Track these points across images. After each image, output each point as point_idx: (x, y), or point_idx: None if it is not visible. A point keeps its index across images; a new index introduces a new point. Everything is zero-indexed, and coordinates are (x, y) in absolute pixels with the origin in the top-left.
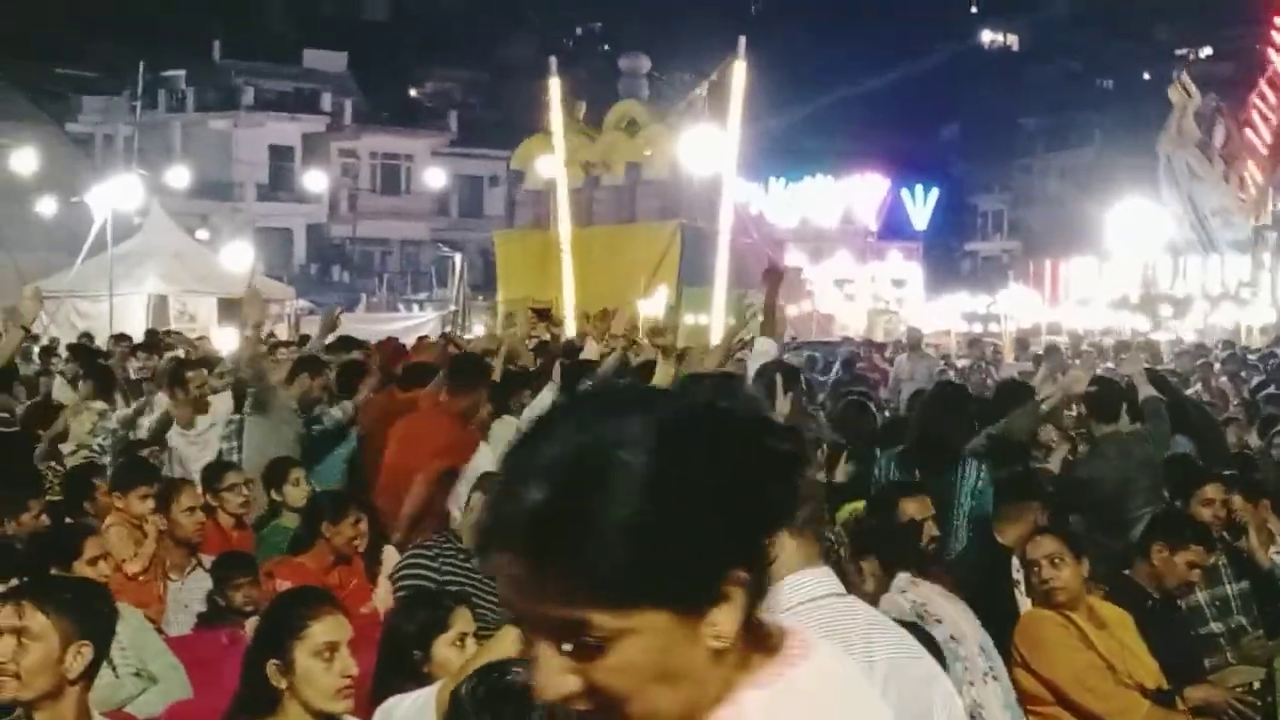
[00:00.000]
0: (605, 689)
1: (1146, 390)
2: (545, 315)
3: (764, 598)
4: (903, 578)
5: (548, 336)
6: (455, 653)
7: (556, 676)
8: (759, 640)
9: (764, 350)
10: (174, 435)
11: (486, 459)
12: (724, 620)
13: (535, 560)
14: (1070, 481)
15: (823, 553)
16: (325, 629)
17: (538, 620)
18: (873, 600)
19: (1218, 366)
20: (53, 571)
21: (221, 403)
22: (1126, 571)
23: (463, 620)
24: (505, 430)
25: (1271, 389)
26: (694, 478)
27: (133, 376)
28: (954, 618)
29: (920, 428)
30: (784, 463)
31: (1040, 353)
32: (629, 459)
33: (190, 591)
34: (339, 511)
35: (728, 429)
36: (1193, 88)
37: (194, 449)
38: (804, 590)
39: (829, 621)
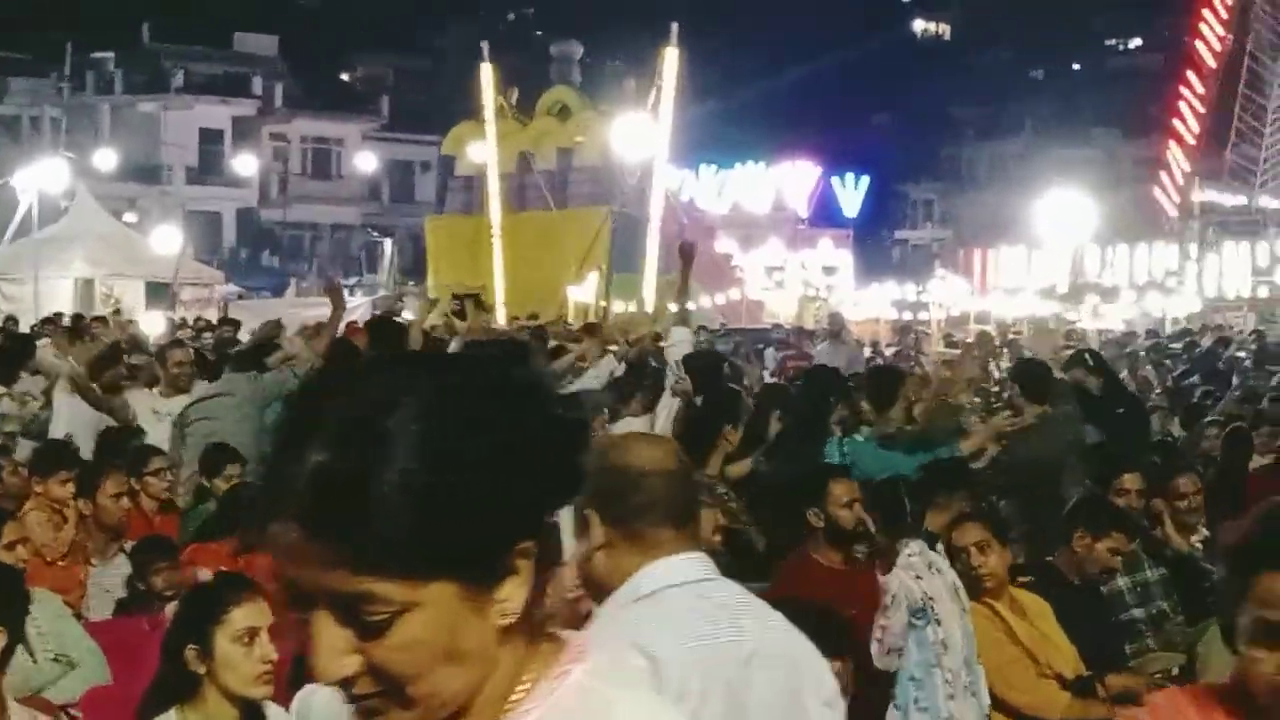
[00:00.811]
0: (389, 669)
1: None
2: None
3: (552, 574)
4: (918, 562)
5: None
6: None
7: (337, 657)
8: (543, 636)
9: (680, 339)
10: (147, 415)
11: None
12: (512, 594)
13: (315, 528)
14: (1010, 462)
15: (687, 541)
16: (245, 614)
17: (317, 595)
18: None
19: (1142, 355)
20: None
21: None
22: (1049, 559)
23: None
24: None
25: (1195, 379)
26: (476, 441)
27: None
28: (950, 623)
29: (791, 411)
30: (568, 431)
31: (969, 340)
32: (410, 420)
33: (112, 576)
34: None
35: (510, 394)
36: None
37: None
38: (672, 575)
39: (692, 605)
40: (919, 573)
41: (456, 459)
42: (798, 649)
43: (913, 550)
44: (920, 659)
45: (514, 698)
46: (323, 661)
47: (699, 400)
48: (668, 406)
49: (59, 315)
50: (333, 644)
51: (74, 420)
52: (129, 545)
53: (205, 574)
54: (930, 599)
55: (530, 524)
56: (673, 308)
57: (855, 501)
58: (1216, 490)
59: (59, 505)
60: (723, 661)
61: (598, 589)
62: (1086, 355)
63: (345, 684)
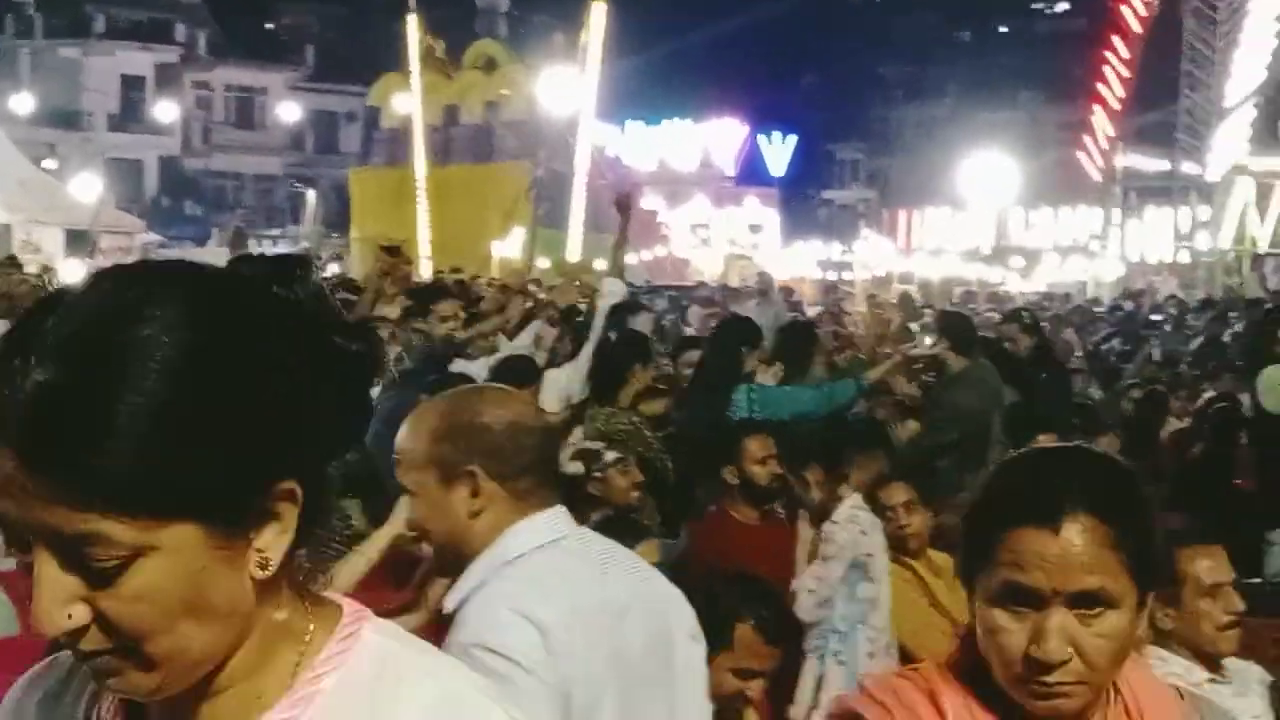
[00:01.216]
0: (121, 622)
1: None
2: (395, 252)
3: (324, 526)
4: (864, 517)
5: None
6: None
7: (61, 604)
8: (314, 603)
9: (613, 290)
10: None
11: None
12: (271, 543)
13: (34, 456)
14: (939, 414)
15: (552, 495)
16: None
17: (39, 533)
18: (822, 510)
19: (1063, 317)
20: None
21: None
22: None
23: None
24: None
25: (1116, 342)
26: (231, 363)
27: None
28: (882, 581)
29: (701, 362)
30: (348, 362)
31: (892, 301)
32: (154, 335)
33: None
34: None
35: (280, 313)
36: None
37: None
38: (538, 535)
39: (563, 562)
40: (864, 527)
41: (205, 382)
42: (663, 591)
43: (856, 504)
44: (846, 612)
45: (293, 660)
46: (43, 611)
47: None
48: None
49: None
50: (55, 591)
51: None
52: None
53: None
54: (869, 555)
55: (295, 464)
56: (599, 264)
57: (770, 458)
58: (1133, 452)
59: None
60: (600, 617)
61: (456, 552)
62: (1024, 314)
63: (72, 638)
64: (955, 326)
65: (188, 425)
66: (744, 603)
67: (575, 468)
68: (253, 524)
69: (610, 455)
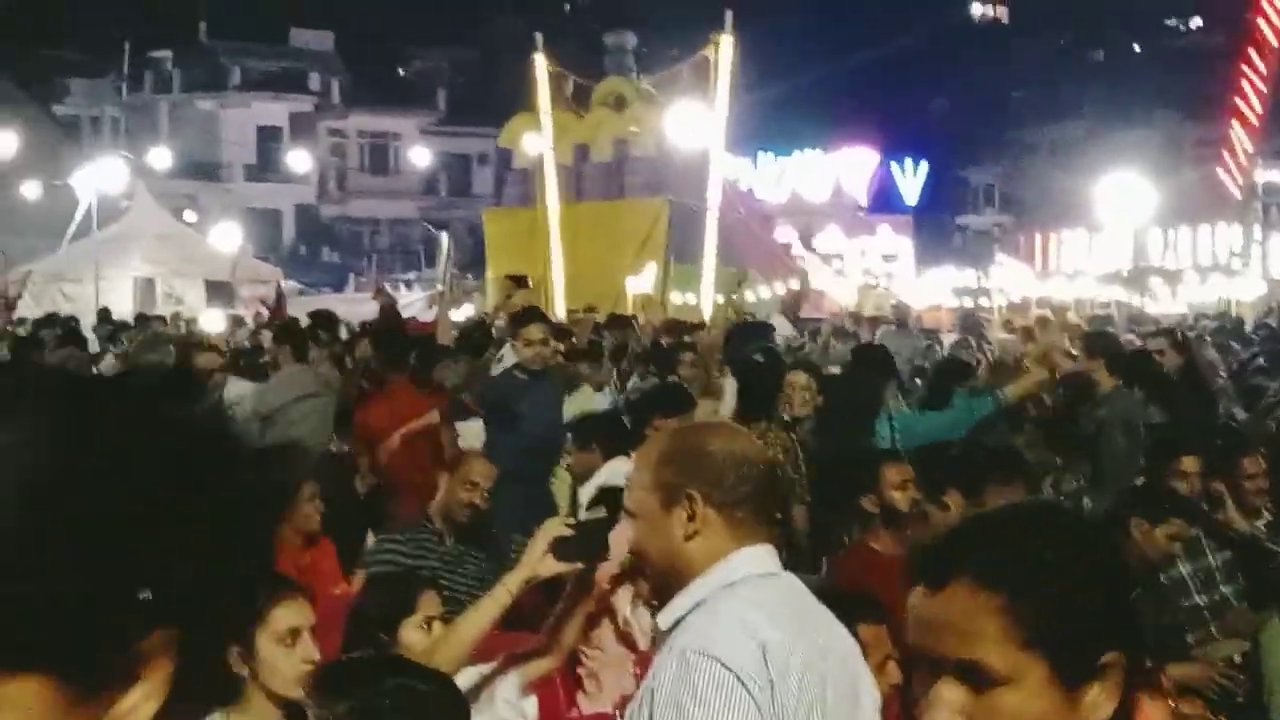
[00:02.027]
0: None
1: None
2: (523, 282)
3: (209, 680)
4: None
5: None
6: (421, 635)
7: None
8: None
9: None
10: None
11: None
12: (136, 706)
13: None
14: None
15: (768, 533)
16: (286, 614)
17: None
18: None
19: (1207, 338)
20: None
21: (234, 386)
22: None
23: (429, 603)
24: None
25: (1260, 361)
26: (93, 490)
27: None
28: None
29: (836, 391)
30: (244, 494)
31: (1030, 326)
32: (7, 456)
33: None
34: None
35: (162, 436)
36: None
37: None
38: (758, 564)
39: (782, 593)
40: None
41: (57, 508)
42: (851, 642)
43: None
44: None
45: None
46: None
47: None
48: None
49: (105, 312)
50: None
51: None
52: None
53: None
54: None
55: (170, 610)
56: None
57: (909, 483)
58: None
59: None
60: (812, 654)
61: (672, 573)
62: (1177, 333)
63: None
64: (1111, 346)
65: (33, 562)
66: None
67: None
68: (114, 682)
69: None
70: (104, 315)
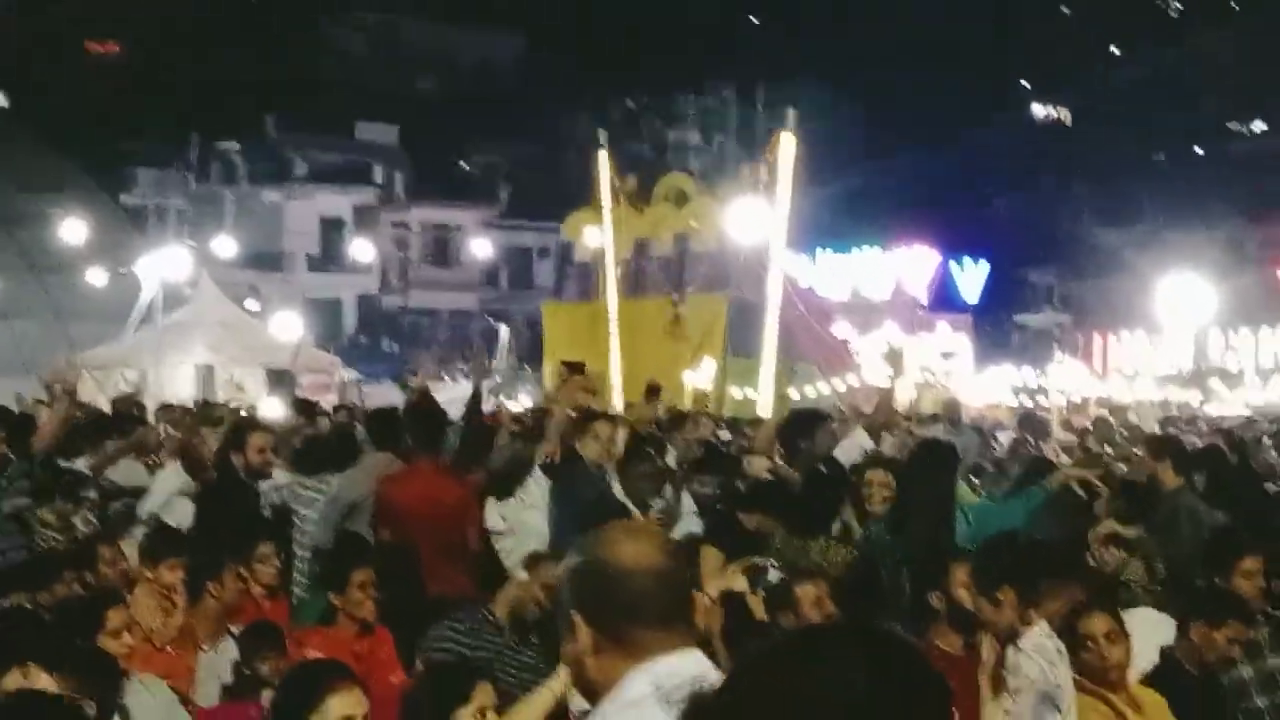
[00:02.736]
0: None
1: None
2: (579, 369)
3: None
4: (1050, 646)
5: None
6: None
7: None
8: None
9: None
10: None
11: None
12: None
13: None
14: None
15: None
16: (341, 703)
17: None
18: (1009, 632)
19: (1267, 440)
20: (76, 642)
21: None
22: (1166, 649)
23: (484, 693)
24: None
25: None
26: None
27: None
28: (1072, 716)
29: (907, 488)
30: None
31: (1088, 426)
32: None
33: (222, 662)
34: (338, 580)
35: None
36: None
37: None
38: (664, 678)
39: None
40: (1050, 658)
41: None
42: None
43: (1044, 632)
44: None
45: None
46: None
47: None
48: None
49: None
50: None
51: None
52: (236, 630)
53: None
54: (1057, 686)
55: None
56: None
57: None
58: None
59: (168, 591)
60: None
61: (590, 692)
62: (1235, 434)
63: None
64: (1176, 448)
65: None
66: None
67: (741, 584)
68: None
69: (773, 575)
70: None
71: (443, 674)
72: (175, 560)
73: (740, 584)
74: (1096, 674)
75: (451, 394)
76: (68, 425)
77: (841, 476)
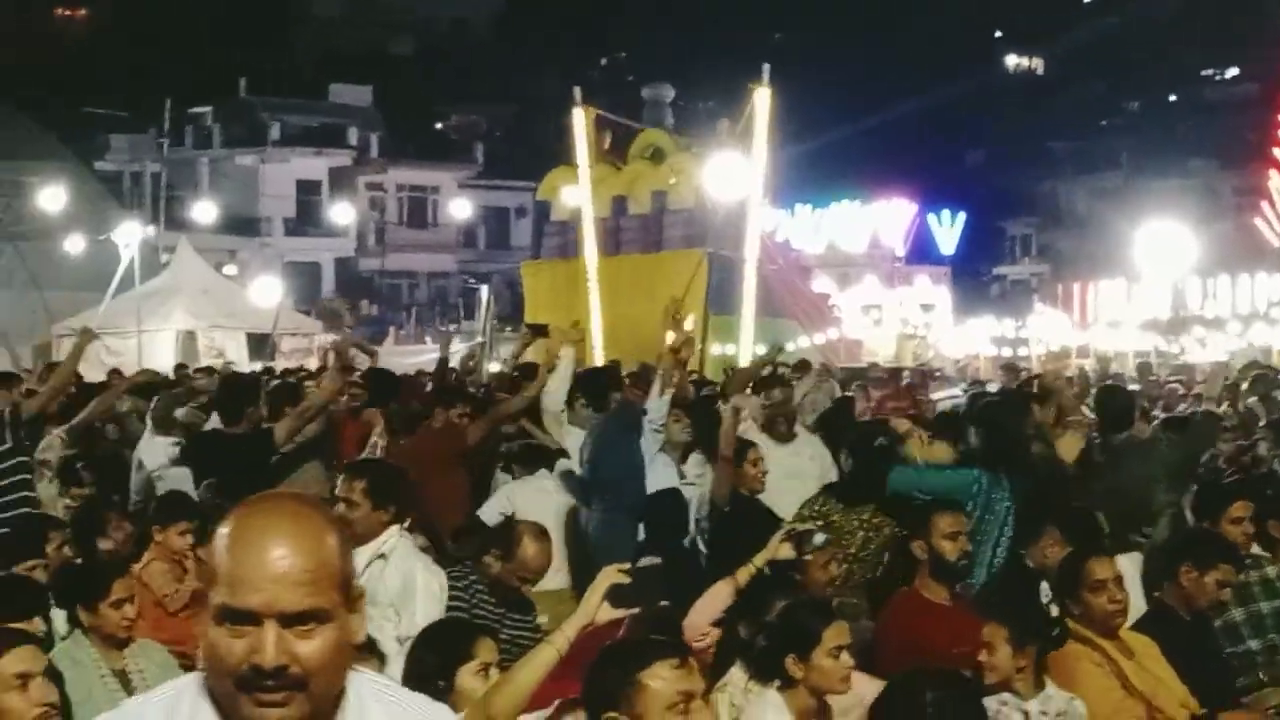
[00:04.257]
0: None
1: None
2: (540, 332)
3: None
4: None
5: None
6: (479, 682)
7: None
8: None
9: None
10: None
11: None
12: None
13: None
14: (1096, 491)
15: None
16: (14, 660)
17: None
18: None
19: (1244, 386)
20: (79, 610)
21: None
22: (1156, 594)
23: (486, 650)
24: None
25: None
26: None
27: None
28: None
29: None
30: None
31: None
32: None
33: None
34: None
35: None
36: None
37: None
38: None
39: None
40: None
41: None
42: None
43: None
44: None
45: None
46: None
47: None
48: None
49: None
50: None
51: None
52: None
53: None
54: None
55: None
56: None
57: (960, 534)
58: None
59: (179, 556)
60: None
61: None
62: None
63: None
64: (1110, 404)
65: None
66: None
67: (787, 551)
68: None
69: (819, 538)
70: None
71: (444, 631)
72: (185, 524)
73: (786, 553)
74: (1099, 620)
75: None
76: (61, 394)
77: (891, 447)
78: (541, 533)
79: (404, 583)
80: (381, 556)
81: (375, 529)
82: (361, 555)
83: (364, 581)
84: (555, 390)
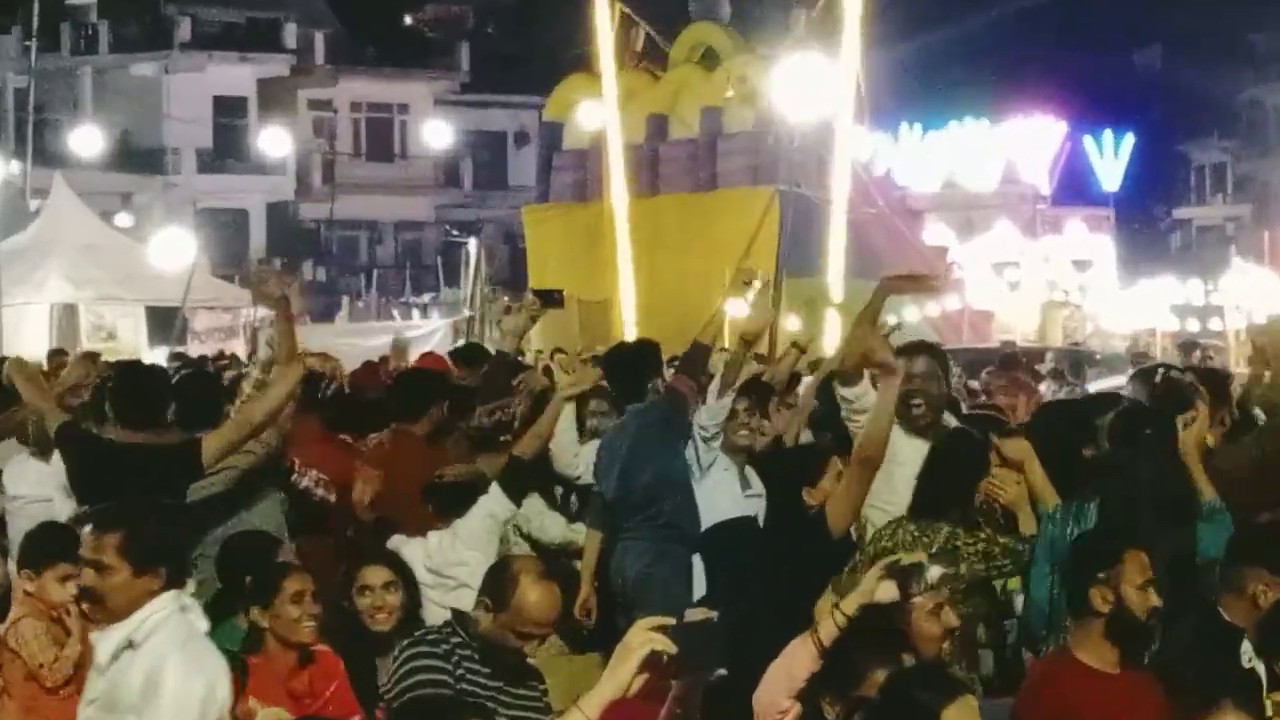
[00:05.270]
0: None
1: None
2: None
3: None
4: None
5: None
6: None
7: None
8: None
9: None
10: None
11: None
12: None
13: None
14: None
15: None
16: None
17: None
18: None
19: None
20: None
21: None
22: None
23: None
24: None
25: None
26: None
27: None
28: None
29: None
30: None
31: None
32: None
33: None
34: (261, 592)
35: None
36: None
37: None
38: None
39: None
40: None
41: None
42: None
43: None
44: None
45: None
46: None
47: None
48: None
49: None
50: None
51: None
52: None
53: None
54: None
55: None
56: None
57: (1152, 582)
58: None
59: (56, 610)
60: None
61: None
62: None
63: None
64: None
65: None
66: None
67: (888, 592)
68: None
69: (934, 571)
70: None
71: (418, 714)
72: (66, 567)
73: (887, 594)
74: None
75: (411, 333)
76: None
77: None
78: (545, 572)
79: (145, 681)
80: (130, 645)
81: (138, 600)
82: (108, 639)
83: (107, 678)
84: (564, 432)
